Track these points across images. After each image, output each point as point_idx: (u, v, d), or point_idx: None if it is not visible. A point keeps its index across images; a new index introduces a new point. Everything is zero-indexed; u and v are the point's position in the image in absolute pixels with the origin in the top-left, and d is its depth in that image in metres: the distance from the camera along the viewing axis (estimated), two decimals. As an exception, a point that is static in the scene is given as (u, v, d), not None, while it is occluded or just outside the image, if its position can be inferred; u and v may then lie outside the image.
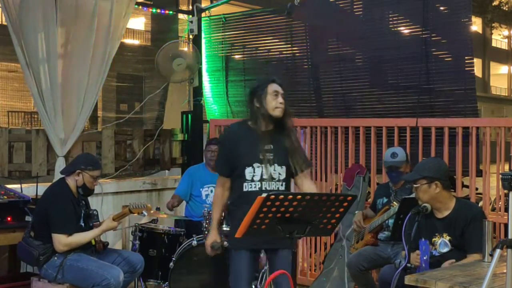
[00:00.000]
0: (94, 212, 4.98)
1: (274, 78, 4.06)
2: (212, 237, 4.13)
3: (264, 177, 3.96)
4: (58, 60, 5.88)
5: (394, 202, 5.08)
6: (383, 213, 5.11)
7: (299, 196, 3.15)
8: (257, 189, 3.94)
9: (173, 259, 5.19)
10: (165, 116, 7.48)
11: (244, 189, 3.97)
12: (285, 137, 4.01)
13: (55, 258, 4.71)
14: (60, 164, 5.83)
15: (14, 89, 15.54)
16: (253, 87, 4.11)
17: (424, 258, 4.05)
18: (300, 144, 4.19)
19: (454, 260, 3.98)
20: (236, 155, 3.99)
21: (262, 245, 3.95)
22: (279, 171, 3.98)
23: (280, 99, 3.97)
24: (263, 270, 4.42)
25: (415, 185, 4.18)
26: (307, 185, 4.11)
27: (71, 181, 4.85)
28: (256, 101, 3.99)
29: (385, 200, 5.28)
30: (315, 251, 6.43)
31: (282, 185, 3.99)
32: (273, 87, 3.98)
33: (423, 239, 4.12)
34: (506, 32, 38.18)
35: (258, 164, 3.95)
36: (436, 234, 4.16)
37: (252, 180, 3.96)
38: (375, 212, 5.36)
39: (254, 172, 3.96)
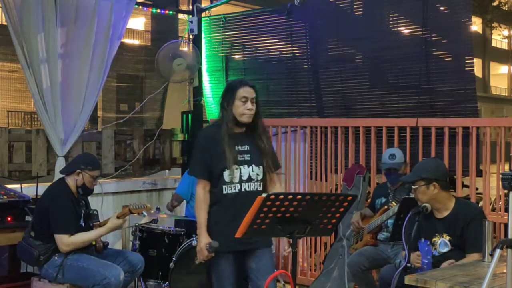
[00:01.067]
0: (94, 212, 4.98)
1: (246, 81, 4.03)
2: (205, 239, 3.91)
3: (243, 178, 3.94)
4: (58, 60, 5.87)
5: (392, 202, 5.07)
6: (382, 214, 5.10)
7: (299, 196, 3.15)
8: (237, 190, 3.92)
9: (173, 259, 5.19)
10: (164, 116, 7.47)
11: (224, 192, 3.92)
12: (258, 138, 4.00)
13: (56, 258, 4.71)
14: (61, 164, 5.83)
15: (14, 89, 15.54)
16: (225, 88, 4.08)
17: (426, 261, 4.04)
18: (272, 145, 4.16)
19: (453, 261, 3.99)
20: (214, 158, 3.93)
21: (242, 246, 3.89)
22: (257, 172, 3.97)
23: (249, 105, 3.93)
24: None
25: (413, 187, 4.19)
26: (275, 189, 4.04)
27: (71, 181, 4.85)
28: (226, 104, 3.98)
29: (384, 200, 5.27)
30: (315, 251, 6.43)
31: (260, 185, 3.97)
32: (242, 92, 3.93)
33: (423, 240, 4.11)
34: (506, 32, 38.22)
35: (236, 166, 3.92)
36: (436, 234, 4.17)
37: (231, 182, 3.92)
38: (374, 212, 5.36)
39: (233, 174, 3.92)
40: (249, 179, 3.95)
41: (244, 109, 3.93)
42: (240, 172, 3.93)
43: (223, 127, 3.97)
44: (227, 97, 3.99)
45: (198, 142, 4.09)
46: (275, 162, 4.11)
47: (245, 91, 3.94)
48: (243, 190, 3.92)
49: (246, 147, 3.97)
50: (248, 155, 3.96)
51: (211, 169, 3.95)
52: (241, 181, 3.93)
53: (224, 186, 3.92)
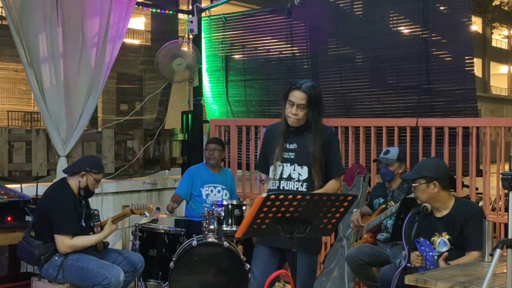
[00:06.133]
0: (95, 212, 4.99)
1: (300, 85, 3.93)
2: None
3: (284, 176, 3.97)
4: (60, 60, 5.88)
5: (391, 202, 5.07)
6: (380, 213, 5.10)
7: (299, 196, 3.16)
8: (276, 187, 3.96)
9: (173, 259, 5.19)
10: (166, 116, 7.47)
11: (269, 187, 4.02)
12: (309, 140, 3.92)
13: (56, 257, 4.71)
14: (62, 164, 5.83)
15: (15, 89, 15.53)
16: (288, 86, 4.08)
17: (430, 253, 4.03)
18: (336, 151, 4.06)
19: (446, 254, 3.99)
20: (267, 153, 4.07)
21: (277, 244, 3.92)
22: (299, 171, 3.94)
23: (293, 110, 3.90)
24: None
25: (414, 184, 4.21)
26: (329, 184, 3.99)
27: (74, 182, 4.85)
28: (283, 103, 4.01)
29: (381, 200, 5.27)
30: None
31: (302, 185, 3.93)
32: (290, 95, 3.92)
33: (421, 239, 4.11)
34: (506, 32, 38.20)
35: (280, 163, 3.97)
36: (436, 233, 4.17)
37: (274, 179, 4.00)
38: (372, 211, 5.36)
39: (275, 171, 3.98)
40: (289, 178, 3.96)
41: (288, 112, 3.93)
42: (282, 170, 3.97)
43: (281, 124, 4.03)
44: (285, 96, 4.00)
45: (263, 136, 4.27)
46: (337, 170, 4.01)
47: (293, 95, 3.91)
48: (281, 187, 3.95)
49: (293, 146, 3.96)
50: (293, 154, 3.95)
51: (267, 163, 4.07)
52: (280, 178, 3.98)
53: (270, 182, 4.02)
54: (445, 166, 4.40)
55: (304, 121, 3.94)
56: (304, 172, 3.94)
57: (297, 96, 3.90)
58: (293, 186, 3.94)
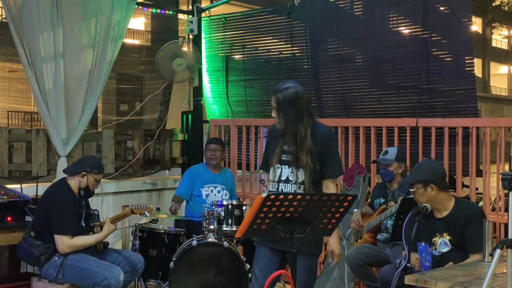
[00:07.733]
0: (95, 212, 4.99)
1: (275, 89, 3.97)
2: None
3: (282, 178, 3.95)
4: (60, 60, 5.87)
5: (391, 202, 5.07)
6: (380, 213, 5.10)
7: (299, 196, 3.16)
8: (275, 189, 3.96)
9: (173, 259, 5.19)
10: (167, 116, 7.47)
11: (269, 188, 4.02)
12: (300, 142, 3.89)
13: (56, 258, 4.71)
14: (62, 164, 5.82)
15: (15, 89, 15.55)
16: None
17: (427, 264, 4.03)
18: (333, 152, 4.00)
19: (452, 263, 3.99)
20: (268, 154, 4.06)
21: (277, 246, 3.92)
22: (297, 174, 3.92)
23: (273, 112, 3.95)
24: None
25: (411, 189, 4.21)
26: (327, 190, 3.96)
27: (74, 182, 4.85)
28: None
29: (382, 200, 5.27)
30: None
31: (299, 188, 3.90)
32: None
33: (423, 244, 4.11)
34: (506, 32, 38.22)
35: (278, 165, 3.96)
36: (436, 234, 4.17)
37: (273, 181, 3.99)
38: (373, 211, 5.36)
39: (274, 173, 3.98)
40: (287, 180, 3.95)
41: None
42: (281, 172, 3.96)
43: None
44: None
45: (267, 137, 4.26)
46: (329, 170, 3.95)
47: (272, 100, 3.97)
48: (279, 190, 3.94)
49: (291, 148, 3.93)
50: (291, 156, 3.93)
51: (268, 164, 4.06)
52: (279, 181, 3.97)
53: (271, 184, 4.02)
54: (442, 168, 4.40)
55: (285, 123, 3.90)
56: (301, 174, 3.92)
57: (272, 99, 3.96)
58: (291, 189, 3.92)
